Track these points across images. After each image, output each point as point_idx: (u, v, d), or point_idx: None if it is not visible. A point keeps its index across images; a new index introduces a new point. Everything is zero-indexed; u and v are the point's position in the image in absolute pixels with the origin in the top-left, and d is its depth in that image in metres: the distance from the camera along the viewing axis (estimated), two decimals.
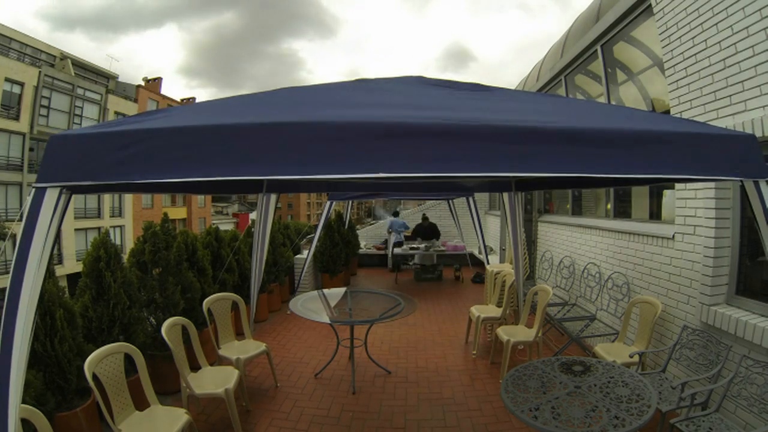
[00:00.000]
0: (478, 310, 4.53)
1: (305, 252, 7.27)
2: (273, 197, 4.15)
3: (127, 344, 2.51)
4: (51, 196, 1.29)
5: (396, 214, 10.46)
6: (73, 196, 1.42)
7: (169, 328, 2.80)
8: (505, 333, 3.81)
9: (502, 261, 7.97)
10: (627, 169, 1.40)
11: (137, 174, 1.28)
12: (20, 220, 1.28)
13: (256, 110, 1.61)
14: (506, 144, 1.33)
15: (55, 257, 18.07)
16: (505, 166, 1.35)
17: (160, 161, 1.28)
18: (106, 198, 22.75)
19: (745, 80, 2.52)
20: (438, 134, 1.31)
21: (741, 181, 1.48)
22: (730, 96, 2.64)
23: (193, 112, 1.61)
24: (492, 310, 4.58)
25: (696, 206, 2.98)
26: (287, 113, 1.48)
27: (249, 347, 3.56)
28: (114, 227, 23.32)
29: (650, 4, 3.47)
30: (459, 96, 1.85)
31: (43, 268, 1.30)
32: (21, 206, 1.35)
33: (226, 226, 18.08)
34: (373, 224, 13.87)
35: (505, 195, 4.35)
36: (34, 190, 1.29)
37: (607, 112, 2.10)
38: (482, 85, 2.07)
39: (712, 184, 2.80)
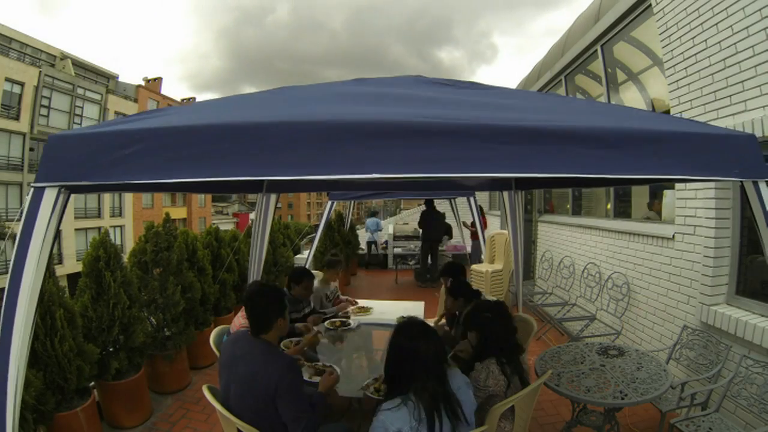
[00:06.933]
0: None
1: (305, 252, 7.27)
2: (273, 197, 4.13)
3: None
4: (50, 195, 1.30)
5: (374, 213, 10.46)
6: (73, 196, 1.42)
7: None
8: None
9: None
10: (625, 170, 1.38)
11: (133, 174, 1.29)
12: (19, 219, 1.29)
13: (252, 110, 1.60)
14: (505, 144, 1.31)
15: (56, 257, 18.09)
16: (503, 167, 1.34)
17: (155, 162, 1.29)
18: (106, 198, 22.77)
19: (745, 80, 2.52)
20: (434, 134, 1.29)
21: (741, 181, 1.46)
22: (731, 96, 2.64)
23: (190, 112, 1.61)
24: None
25: (696, 206, 2.98)
26: (281, 112, 1.48)
27: None
28: (114, 227, 23.33)
29: (650, 4, 3.47)
30: (457, 94, 1.83)
31: (42, 267, 1.31)
32: (21, 206, 1.36)
33: (226, 226, 18.11)
34: None
35: (505, 194, 4.31)
36: (32, 189, 1.30)
37: (605, 111, 2.08)
38: (481, 84, 2.07)
39: (712, 184, 2.80)
